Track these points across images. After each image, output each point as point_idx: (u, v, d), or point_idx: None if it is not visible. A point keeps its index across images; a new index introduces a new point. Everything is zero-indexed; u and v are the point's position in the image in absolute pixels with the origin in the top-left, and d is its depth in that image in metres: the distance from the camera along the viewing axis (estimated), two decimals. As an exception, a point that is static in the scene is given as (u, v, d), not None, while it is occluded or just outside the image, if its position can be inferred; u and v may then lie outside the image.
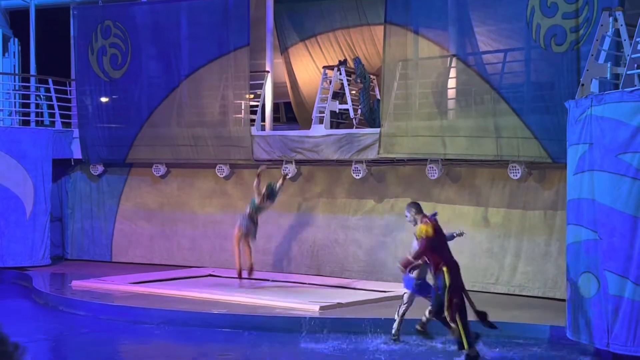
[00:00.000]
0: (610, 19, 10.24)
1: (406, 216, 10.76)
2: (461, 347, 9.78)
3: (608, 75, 10.06)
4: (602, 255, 9.31)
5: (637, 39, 9.64)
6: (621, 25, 10.12)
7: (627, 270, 9.03)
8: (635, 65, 9.70)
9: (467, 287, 13.97)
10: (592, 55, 10.33)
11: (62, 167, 18.43)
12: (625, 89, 9.31)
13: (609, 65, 10.07)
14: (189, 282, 15.30)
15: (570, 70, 12.47)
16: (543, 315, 12.11)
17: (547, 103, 12.84)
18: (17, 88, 18.67)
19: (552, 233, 13.42)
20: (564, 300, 10.79)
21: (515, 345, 10.88)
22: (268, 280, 15.37)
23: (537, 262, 13.67)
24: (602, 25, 10.39)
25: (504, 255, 14.08)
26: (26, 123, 18.20)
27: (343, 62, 16.39)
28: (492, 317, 10.30)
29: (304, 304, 12.71)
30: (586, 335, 9.71)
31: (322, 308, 12.40)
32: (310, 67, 18.52)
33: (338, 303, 12.77)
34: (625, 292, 9.10)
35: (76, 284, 14.90)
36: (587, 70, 10.29)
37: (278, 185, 15.02)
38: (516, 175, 13.67)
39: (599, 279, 9.37)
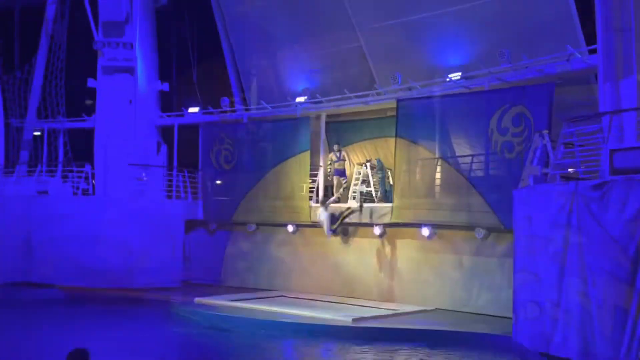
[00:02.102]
0: (540, 138, 10.21)
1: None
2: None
3: (539, 174, 9.98)
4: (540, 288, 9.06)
5: (557, 151, 9.59)
6: (547, 142, 10.07)
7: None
8: (557, 168, 9.62)
9: (449, 308, 13.86)
10: (529, 160, 10.28)
11: (191, 225, 18.56)
12: (550, 183, 9.24)
13: (539, 167, 10.00)
14: (267, 300, 15.20)
15: (516, 169, 12.37)
16: (498, 329, 11.78)
17: (501, 189, 12.69)
18: (165, 175, 19.00)
19: (504, 273, 13.12)
20: (510, 317, 10.45)
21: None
22: (319, 299, 15.20)
23: (494, 292, 13.37)
24: (535, 141, 10.36)
25: (472, 287, 13.80)
26: (170, 197, 18.48)
27: (368, 161, 16.48)
28: (467, 328, 9.95)
29: (342, 317, 12.50)
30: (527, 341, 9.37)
31: (354, 320, 12.19)
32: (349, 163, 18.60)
33: (363, 317, 12.53)
34: (558, 314, 8.82)
35: (198, 299, 14.87)
36: (526, 169, 10.23)
37: (345, 213, 15.15)
38: (480, 235, 13.49)
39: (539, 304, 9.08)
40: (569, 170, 10.23)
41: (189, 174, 18.65)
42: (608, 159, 8.65)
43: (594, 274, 8.36)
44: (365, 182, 16.31)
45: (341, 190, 16.51)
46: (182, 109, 19.69)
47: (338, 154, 16.91)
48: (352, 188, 16.12)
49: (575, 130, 9.67)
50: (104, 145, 18.73)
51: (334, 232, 15.42)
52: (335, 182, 16.72)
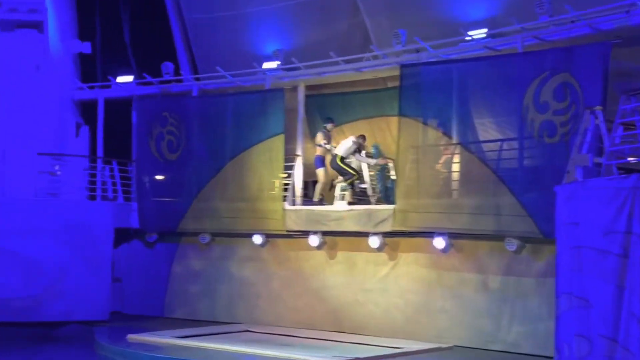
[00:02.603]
0: (592, 116, 10.29)
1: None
2: None
3: (590, 164, 10.06)
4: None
5: (614, 134, 9.67)
6: (601, 121, 10.15)
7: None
8: (614, 156, 9.71)
9: (471, 345, 13.95)
10: (577, 146, 10.36)
11: (122, 235, 18.46)
12: (605, 177, 9.32)
13: (590, 156, 10.07)
14: (228, 336, 15.18)
15: (560, 158, 12.43)
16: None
17: (540, 186, 12.73)
18: (86, 168, 18.87)
19: (542, 298, 13.23)
20: (551, 356, 10.56)
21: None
22: (296, 336, 15.25)
23: (530, 323, 13.47)
24: (584, 121, 10.44)
25: (501, 316, 13.89)
26: (93, 198, 18.37)
27: (362, 137, 16.50)
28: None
29: (327, 358, 12.54)
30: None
31: (342, 362, 12.27)
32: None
33: (356, 358, 12.59)
34: (615, 354, 8.91)
35: (132, 337, 14.83)
36: (572, 159, 10.31)
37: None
38: (512, 248, 13.58)
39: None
40: (630, 159, 10.31)
41: (120, 167, 18.57)
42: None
43: (662, 299, 8.45)
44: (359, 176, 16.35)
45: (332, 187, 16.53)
46: (110, 78, 19.59)
47: (327, 135, 16.85)
48: (339, 185, 16.13)
49: (638, 107, 9.75)
50: (1, 127, 18.53)
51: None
52: (320, 175, 16.72)
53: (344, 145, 16.31)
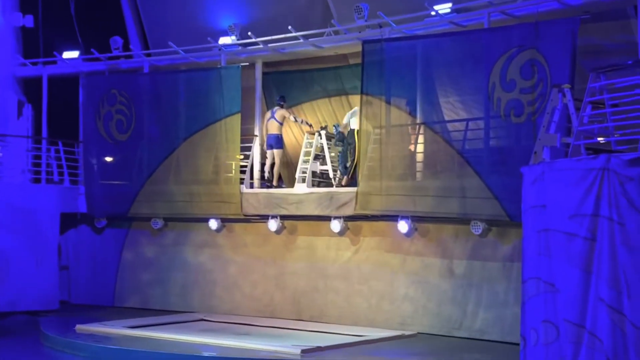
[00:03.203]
0: (560, 94, 10.36)
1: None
2: None
3: (558, 145, 10.14)
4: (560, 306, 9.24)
5: (583, 113, 9.76)
6: (569, 100, 10.22)
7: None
8: (582, 136, 9.80)
9: (435, 332, 14.08)
10: (544, 126, 10.43)
11: (69, 220, 18.34)
12: (573, 158, 9.41)
13: (558, 136, 10.16)
14: (182, 326, 15.12)
15: (527, 138, 12.56)
16: (502, 357, 12.03)
17: (506, 167, 12.87)
18: (30, 149, 18.66)
19: (509, 283, 13.39)
20: (518, 343, 10.66)
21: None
22: (254, 324, 15.25)
23: (496, 309, 13.63)
24: (552, 100, 10.51)
25: (466, 302, 14.03)
26: (38, 181, 18.18)
27: (324, 128, 16.50)
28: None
29: (287, 347, 12.58)
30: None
31: (303, 351, 12.26)
32: (296, 131, 18.60)
33: (317, 347, 12.64)
34: (582, 340, 9.01)
35: (81, 327, 14.71)
36: (540, 139, 10.38)
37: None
38: (477, 231, 13.71)
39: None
40: (599, 139, 10.42)
41: (66, 148, 18.39)
42: (650, 123, 8.83)
43: (630, 283, 8.57)
44: (320, 157, 16.33)
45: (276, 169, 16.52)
46: (55, 53, 19.29)
47: (272, 112, 16.81)
48: (300, 166, 16.11)
49: (607, 85, 9.84)
50: None
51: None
52: (278, 156, 16.66)
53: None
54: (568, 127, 10.47)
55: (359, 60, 15.21)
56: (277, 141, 16.62)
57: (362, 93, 14.91)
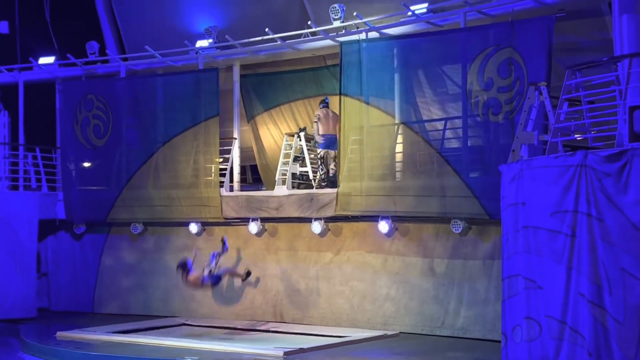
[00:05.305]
0: (537, 92, 10.44)
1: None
2: None
3: (535, 142, 10.21)
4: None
5: (559, 111, 9.83)
6: (545, 98, 10.30)
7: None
8: (559, 133, 9.87)
9: (417, 331, 14.13)
10: (522, 124, 10.51)
11: (48, 227, 18.21)
12: (550, 155, 9.48)
13: (535, 133, 10.23)
14: (164, 331, 15.05)
15: (505, 136, 12.64)
16: (484, 357, 12.07)
17: (485, 165, 12.97)
18: (7, 156, 18.52)
19: (490, 281, 13.46)
20: (499, 340, 10.71)
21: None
22: (236, 328, 15.22)
23: (478, 307, 13.68)
24: (529, 98, 10.59)
25: (447, 301, 14.08)
26: (15, 188, 18.05)
27: (303, 130, 16.49)
28: (442, 358, 10.17)
29: (270, 350, 12.55)
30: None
31: (286, 354, 12.24)
32: (275, 133, 18.58)
33: (300, 349, 12.63)
34: (564, 335, 9.06)
35: (61, 334, 14.60)
36: (517, 137, 10.46)
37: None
38: (458, 230, 13.76)
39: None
40: (576, 136, 10.50)
41: (43, 154, 18.29)
42: (627, 119, 8.92)
43: (610, 278, 8.64)
44: (299, 159, 16.33)
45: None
46: (30, 59, 19.18)
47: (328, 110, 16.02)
48: (280, 168, 16.09)
49: (584, 82, 9.93)
50: None
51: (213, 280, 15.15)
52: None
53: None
54: (545, 125, 10.56)
55: (336, 62, 15.25)
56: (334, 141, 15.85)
57: (340, 94, 14.93)
